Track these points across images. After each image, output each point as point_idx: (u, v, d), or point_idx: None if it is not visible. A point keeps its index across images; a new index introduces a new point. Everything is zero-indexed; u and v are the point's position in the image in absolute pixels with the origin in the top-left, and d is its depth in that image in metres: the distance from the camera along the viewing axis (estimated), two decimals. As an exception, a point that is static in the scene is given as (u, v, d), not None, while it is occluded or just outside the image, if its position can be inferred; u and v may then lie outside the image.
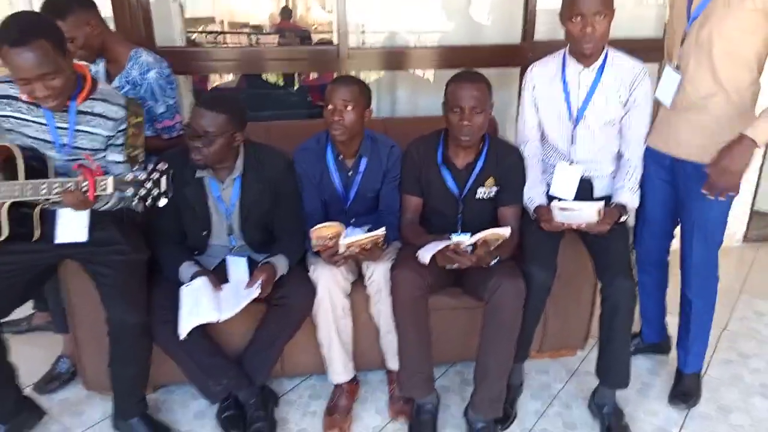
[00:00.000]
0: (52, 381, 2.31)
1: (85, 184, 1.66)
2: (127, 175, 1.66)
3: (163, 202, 1.69)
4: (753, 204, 3.39)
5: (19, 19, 1.64)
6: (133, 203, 1.68)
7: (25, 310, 2.58)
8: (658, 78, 2.72)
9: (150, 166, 1.70)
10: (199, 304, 1.88)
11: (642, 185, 2.16)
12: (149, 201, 1.68)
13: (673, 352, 2.35)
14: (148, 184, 1.66)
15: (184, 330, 1.86)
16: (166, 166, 1.69)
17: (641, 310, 2.43)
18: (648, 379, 2.37)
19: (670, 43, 2.06)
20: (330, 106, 2.04)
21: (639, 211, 2.25)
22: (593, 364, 2.13)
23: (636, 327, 2.41)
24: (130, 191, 1.65)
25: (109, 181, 1.66)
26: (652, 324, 2.46)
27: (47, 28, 1.65)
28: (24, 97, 1.75)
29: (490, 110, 2.03)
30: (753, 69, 1.88)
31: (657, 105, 2.11)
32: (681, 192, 2.07)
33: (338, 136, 2.08)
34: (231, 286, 2.00)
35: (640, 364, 2.44)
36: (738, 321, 2.75)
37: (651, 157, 2.13)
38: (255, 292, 1.90)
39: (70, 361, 2.34)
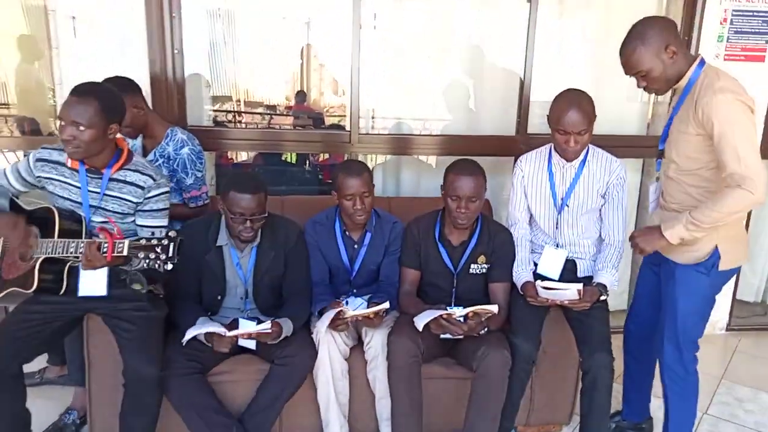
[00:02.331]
0: (58, 432, 2.39)
1: (105, 245, 1.83)
2: (141, 240, 1.83)
3: (169, 266, 1.82)
4: (734, 293, 3.54)
5: (94, 82, 1.98)
6: (145, 265, 1.81)
7: (39, 363, 2.67)
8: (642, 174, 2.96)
9: (162, 233, 1.86)
10: (207, 324, 2.06)
11: (639, 271, 2.34)
12: (157, 265, 1.81)
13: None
14: (158, 249, 1.81)
15: (188, 335, 2.01)
16: (175, 235, 1.84)
17: (625, 389, 2.50)
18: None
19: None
20: (349, 198, 2.25)
21: (631, 296, 2.40)
22: (578, 439, 2.22)
23: (619, 404, 2.53)
24: (142, 254, 1.80)
25: (126, 243, 1.81)
26: (632, 404, 2.50)
27: (106, 94, 1.95)
28: (69, 163, 1.99)
29: (484, 196, 2.26)
30: (715, 182, 1.93)
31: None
32: (662, 288, 2.16)
33: (360, 221, 2.31)
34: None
35: None
36: (718, 406, 2.84)
37: None
38: (265, 325, 2.04)
39: (78, 414, 2.43)
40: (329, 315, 2.11)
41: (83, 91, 1.90)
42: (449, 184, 2.22)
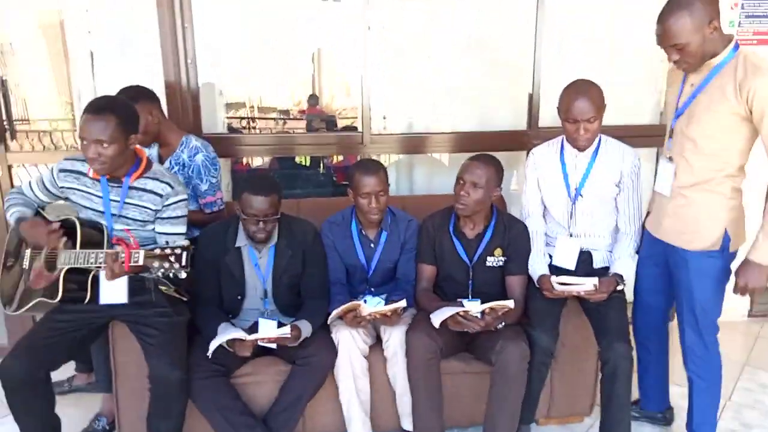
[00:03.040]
0: (89, 438, 2.44)
1: (122, 255, 1.87)
2: (155, 250, 1.86)
3: (183, 275, 1.86)
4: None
5: (107, 96, 2.03)
6: (159, 275, 1.85)
7: (67, 372, 2.73)
8: (657, 163, 2.91)
9: (176, 242, 1.90)
10: (229, 330, 2.10)
11: (637, 265, 2.33)
12: (171, 273, 1.85)
13: (680, 424, 2.40)
14: (172, 258, 1.84)
15: (212, 347, 2.05)
16: (188, 244, 1.89)
17: (639, 379, 2.49)
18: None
19: (666, 133, 2.19)
20: (365, 196, 2.28)
21: (634, 289, 2.39)
22: (600, 431, 2.22)
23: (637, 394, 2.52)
24: (156, 264, 1.84)
25: (141, 253, 1.85)
26: (648, 394, 2.51)
27: (123, 108, 1.99)
28: (91, 173, 2.05)
29: (494, 191, 2.27)
30: (733, 164, 1.97)
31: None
32: (673, 276, 2.17)
33: (376, 219, 2.35)
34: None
35: (646, 431, 2.50)
36: (742, 392, 2.82)
37: (646, 238, 2.29)
38: (284, 330, 2.08)
39: (107, 420, 2.48)
40: (340, 308, 2.13)
41: (100, 108, 1.93)
42: (459, 169, 2.27)
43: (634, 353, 2.17)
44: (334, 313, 2.15)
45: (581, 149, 2.27)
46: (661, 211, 2.16)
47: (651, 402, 2.53)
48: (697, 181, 2.01)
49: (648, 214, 2.31)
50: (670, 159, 2.09)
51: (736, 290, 1.98)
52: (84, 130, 1.92)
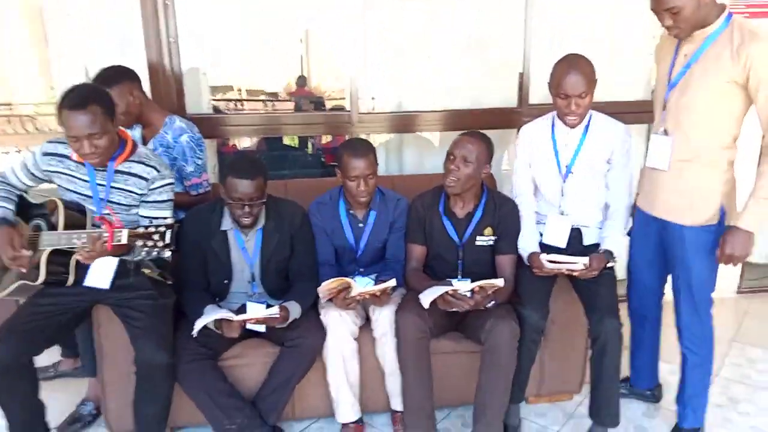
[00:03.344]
0: (75, 422, 2.41)
1: (105, 235, 1.84)
2: (138, 228, 1.83)
3: (167, 254, 1.84)
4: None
5: (79, 88, 1.93)
6: (143, 254, 1.82)
7: (53, 357, 2.72)
8: (647, 140, 2.86)
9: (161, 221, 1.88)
10: (216, 311, 2.08)
11: (630, 244, 2.33)
12: (155, 252, 1.82)
13: (669, 400, 2.42)
14: (156, 237, 1.81)
15: (197, 326, 2.02)
16: (172, 222, 1.86)
17: (631, 356, 2.51)
18: (643, 422, 2.44)
19: (655, 108, 2.18)
20: (353, 179, 2.24)
21: (628, 267, 2.39)
22: (589, 407, 2.23)
23: (627, 371, 2.53)
24: (140, 242, 1.81)
25: (124, 233, 1.82)
26: (640, 371, 2.53)
27: (101, 96, 1.93)
28: (74, 156, 2.00)
29: (484, 168, 2.24)
30: (729, 135, 1.97)
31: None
32: (668, 252, 2.17)
33: (364, 201, 2.32)
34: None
35: (635, 408, 2.52)
36: (730, 367, 2.84)
37: (638, 217, 2.28)
38: (273, 310, 2.06)
39: (94, 405, 2.46)
40: (330, 281, 2.10)
41: (81, 102, 1.86)
42: (450, 145, 2.24)
43: (626, 330, 2.17)
44: (324, 284, 2.11)
45: (572, 126, 2.24)
46: (655, 187, 2.14)
47: (641, 379, 2.54)
48: (695, 154, 2.00)
49: (638, 193, 2.30)
50: (665, 132, 2.07)
51: (720, 258, 1.97)
52: (73, 128, 1.86)
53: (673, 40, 2.04)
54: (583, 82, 2.12)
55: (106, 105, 1.92)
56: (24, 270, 1.96)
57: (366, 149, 2.30)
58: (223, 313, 2.07)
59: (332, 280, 2.11)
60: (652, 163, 2.13)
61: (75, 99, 1.87)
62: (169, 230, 1.81)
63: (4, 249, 1.94)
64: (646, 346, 2.47)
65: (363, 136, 2.96)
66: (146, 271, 2.01)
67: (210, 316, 2.05)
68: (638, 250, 2.32)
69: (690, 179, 2.03)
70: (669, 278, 2.25)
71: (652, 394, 2.55)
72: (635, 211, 2.30)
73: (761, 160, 1.91)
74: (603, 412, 2.20)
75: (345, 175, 2.27)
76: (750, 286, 3.64)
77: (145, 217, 2.08)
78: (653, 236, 2.21)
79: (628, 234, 2.35)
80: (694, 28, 1.92)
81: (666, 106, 2.07)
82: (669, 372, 2.56)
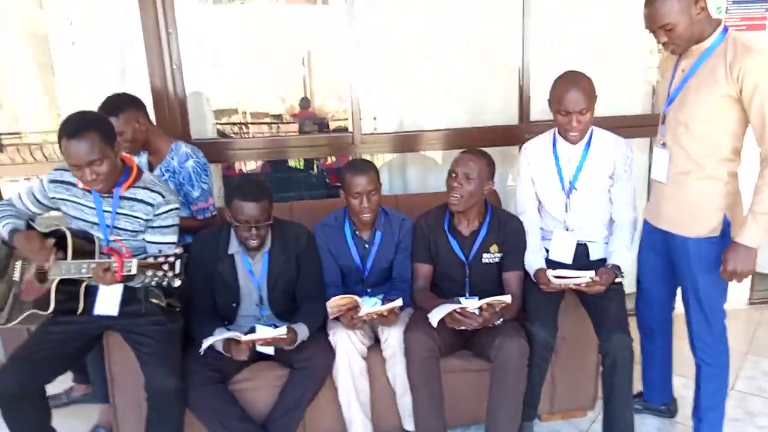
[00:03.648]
0: (88, 449, 2.43)
1: (115, 264, 1.85)
2: (149, 258, 1.85)
3: (177, 283, 1.85)
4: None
5: (78, 115, 1.96)
6: (153, 283, 1.85)
7: (65, 383, 2.72)
8: (650, 153, 2.87)
9: (170, 250, 1.88)
10: (224, 332, 2.08)
11: (638, 256, 2.32)
12: (165, 282, 1.84)
13: (685, 415, 2.39)
14: (165, 266, 1.83)
15: (204, 344, 2.03)
16: (181, 251, 1.87)
17: (643, 371, 2.48)
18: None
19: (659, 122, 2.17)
20: (356, 196, 2.27)
21: (636, 280, 2.37)
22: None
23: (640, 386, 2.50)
24: (150, 272, 1.83)
25: (134, 263, 1.84)
26: (653, 386, 2.50)
27: (98, 122, 1.95)
28: (80, 184, 2.03)
29: (487, 185, 2.25)
30: (726, 148, 1.97)
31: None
32: (674, 264, 2.16)
33: (368, 219, 2.32)
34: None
35: (649, 423, 2.48)
36: (745, 380, 2.80)
37: (645, 229, 2.27)
38: (281, 330, 2.05)
39: (106, 430, 2.46)
40: (338, 297, 2.11)
41: (78, 129, 1.87)
42: (451, 163, 2.26)
43: (637, 345, 2.16)
44: (332, 300, 2.11)
45: (573, 142, 2.26)
46: (659, 199, 2.15)
47: (655, 394, 2.51)
48: (693, 166, 2.00)
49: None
50: (664, 145, 2.09)
51: (723, 275, 1.96)
52: (72, 157, 1.88)
53: (673, 56, 2.06)
54: (584, 98, 2.14)
55: (105, 131, 1.93)
56: (46, 264, 1.98)
57: (367, 167, 2.33)
58: (232, 333, 2.07)
59: (341, 296, 2.11)
60: (654, 175, 2.15)
61: (72, 127, 1.88)
62: (179, 260, 1.83)
63: (27, 248, 1.97)
64: (657, 360, 2.44)
65: (366, 157, 2.99)
66: (154, 300, 2.02)
67: (218, 335, 2.05)
68: (646, 262, 2.31)
69: (689, 192, 2.03)
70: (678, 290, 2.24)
71: (667, 408, 2.52)
72: (643, 223, 2.30)
73: (760, 173, 1.90)
74: (617, 428, 2.18)
75: (348, 193, 2.29)
76: (761, 297, 3.61)
77: (151, 242, 2.10)
78: (660, 247, 2.21)
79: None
80: (690, 44, 1.94)
81: (665, 120, 2.09)
82: (683, 386, 2.53)
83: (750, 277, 3.46)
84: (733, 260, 1.91)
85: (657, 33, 1.94)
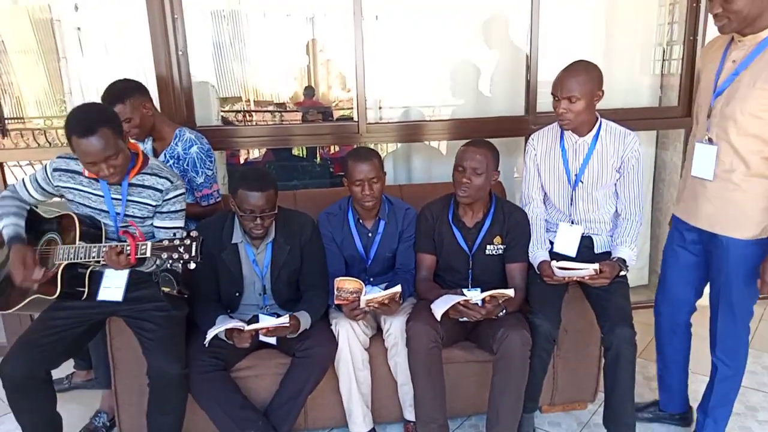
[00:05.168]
0: (89, 434, 2.44)
1: (128, 248, 1.86)
2: (163, 241, 1.85)
3: (192, 266, 1.85)
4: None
5: (83, 111, 1.94)
6: (168, 265, 1.85)
7: (66, 369, 2.74)
8: (657, 146, 2.81)
9: (183, 233, 1.86)
10: (227, 322, 2.08)
11: (664, 254, 2.27)
12: (180, 264, 1.84)
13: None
14: (181, 249, 1.83)
15: (209, 336, 2.03)
16: (197, 234, 1.86)
17: (660, 377, 2.43)
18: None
19: (697, 116, 2.08)
20: (358, 184, 2.26)
21: (660, 278, 2.31)
22: (603, 416, 2.21)
23: (654, 394, 2.49)
24: (165, 255, 1.83)
25: (148, 245, 1.85)
26: (671, 391, 2.41)
27: (106, 117, 1.93)
28: (86, 172, 2.02)
29: (493, 175, 2.25)
30: None
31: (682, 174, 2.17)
32: (710, 263, 2.08)
33: (370, 206, 2.32)
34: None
35: (657, 429, 2.43)
36: (747, 375, 2.75)
37: (676, 226, 2.19)
38: (283, 319, 2.06)
39: (107, 416, 2.48)
40: (342, 278, 2.12)
41: (91, 128, 1.84)
42: (457, 157, 2.24)
43: (641, 340, 2.13)
44: (337, 280, 2.13)
45: (563, 128, 2.23)
46: (698, 197, 2.03)
47: (672, 402, 2.43)
48: (741, 164, 1.90)
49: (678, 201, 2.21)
50: (710, 140, 1.96)
51: (763, 289, 1.90)
52: (88, 155, 1.86)
53: (720, 45, 1.97)
54: (574, 85, 2.10)
55: (115, 124, 1.92)
56: (34, 287, 1.97)
57: (369, 154, 2.32)
58: (234, 323, 2.07)
59: (348, 278, 2.12)
60: (696, 172, 2.02)
61: (83, 124, 1.85)
62: (195, 243, 1.82)
63: (17, 268, 1.94)
64: (676, 364, 2.36)
65: (371, 146, 2.98)
66: (166, 289, 2.02)
67: (221, 326, 2.06)
68: (673, 261, 2.22)
69: (739, 191, 1.93)
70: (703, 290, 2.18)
71: (682, 417, 2.44)
72: (673, 221, 2.23)
73: None
74: (618, 421, 2.18)
75: (350, 181, 2.29)
76: (764, 292, 3.59)
77: (160, 227, 2.10)
78: (695, 247, 2.13)
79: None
80: (743, 24, 1.82)
81: (711, 114, 1.96)
82: (692, 381, 2.47)
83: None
84: None
85: (713, 2, 1.81)
